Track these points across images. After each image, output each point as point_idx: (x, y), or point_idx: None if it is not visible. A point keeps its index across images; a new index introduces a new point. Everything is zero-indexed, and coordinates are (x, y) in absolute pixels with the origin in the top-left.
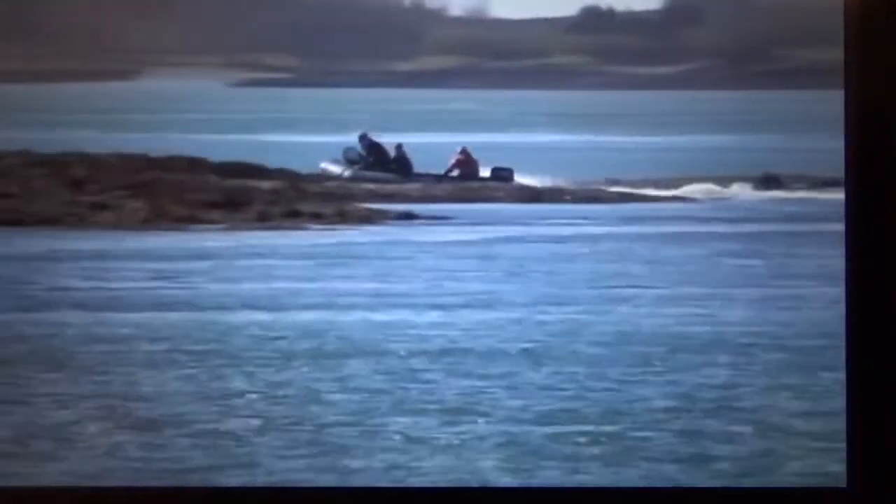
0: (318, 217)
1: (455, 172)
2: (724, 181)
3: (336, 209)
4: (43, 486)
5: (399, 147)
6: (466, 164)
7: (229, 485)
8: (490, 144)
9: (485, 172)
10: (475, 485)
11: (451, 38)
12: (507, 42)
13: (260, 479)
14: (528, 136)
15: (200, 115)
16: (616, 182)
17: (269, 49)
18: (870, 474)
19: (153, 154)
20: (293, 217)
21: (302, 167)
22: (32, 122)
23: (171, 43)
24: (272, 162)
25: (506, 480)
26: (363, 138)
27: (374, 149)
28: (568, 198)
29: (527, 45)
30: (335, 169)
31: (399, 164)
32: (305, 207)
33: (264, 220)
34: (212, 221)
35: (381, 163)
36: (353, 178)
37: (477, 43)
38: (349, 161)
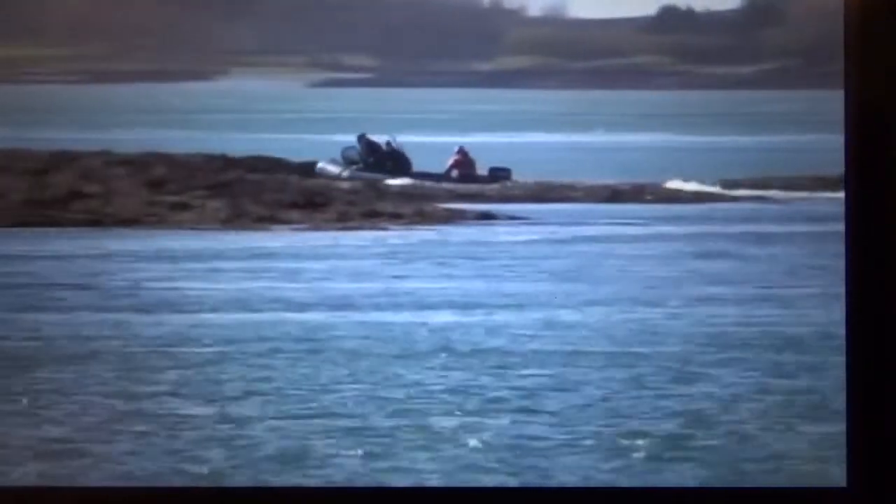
0: (397, 217)
1: (454, 172)
2: (805, 181)
3: (415, 209)
4: (43, 486)
5: (389, 143)
6: (464, 163)
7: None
8: (567, 144)
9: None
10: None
11: (530, 38)
12: (585, 42)
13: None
14: (605, 135)
15: (281, 115)
16: (695, 182)
17: (350, 49)
18: (870, 474)
19: (233, 154)
20: (373, 217)
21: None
22: (113, 122)
23: (254, 43)
24: None
25: (572, 480)
26: (361, 138)
27: (372, 149)
28: (649, 197)
29: (605, 45)
30: (333, 169)
31: (395, 161)
32: (385, 207)
33: (344, 220)
34: (291, 221)
35: (379, 163)
36: (351, 178)
37: (555, 43)
38: (348, 161)
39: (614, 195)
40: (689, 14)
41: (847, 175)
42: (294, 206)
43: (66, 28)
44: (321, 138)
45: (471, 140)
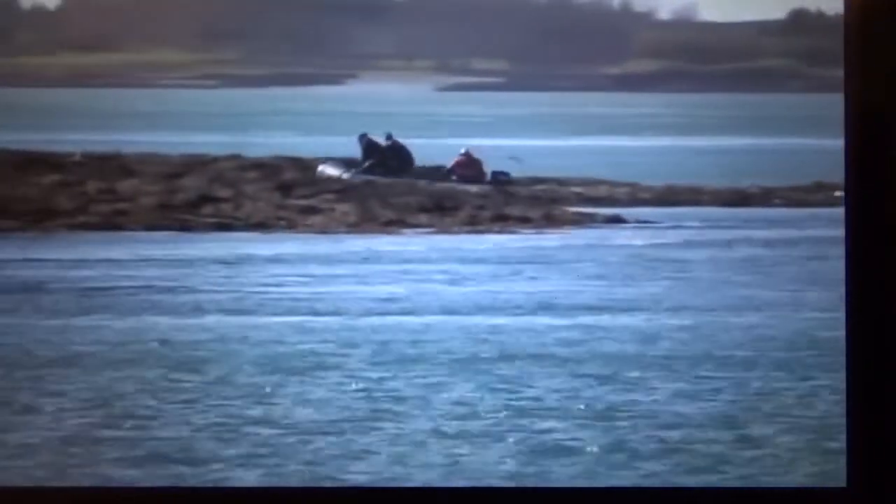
0: (526, 221)
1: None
2: None
3: (543, 213)
4: (43, 486)
5: (389, 137)
6: (467, 165)
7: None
8: (693, 148)
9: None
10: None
11: (660, 42)
12: (714, 45)
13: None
14: (733, 139)
15: (410, 119)
16: (822, 186)
17: (480, 53)
18: (870, 474)
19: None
20: (501, 221)
21: (513, 170)
22: (245, 125)
23: (383, 47)
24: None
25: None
26: (362, 138)
27: (373, 148)
28: (778, 201)
29: (734, 48)
30: (334, 172)
31: (398, 157)
32: (513, 211)
33: (473, 225)
34: (420, 225)
35: (382, 162)
36: (352, 181)
37: (685, 46)
38: (346, 164)
39: (742, 199)
40: (820, 17)
41: (847, 178)
42: (423, 209)
43: (197, 33)
44: (451, 142)
45: (596, 143)
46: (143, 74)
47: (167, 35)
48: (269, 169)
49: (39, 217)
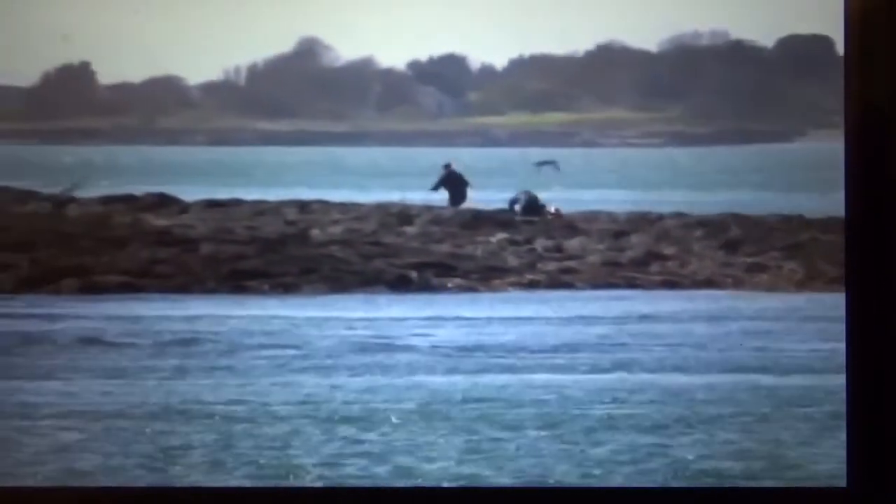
0: None
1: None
2: None
3: None
4: (43, 486)
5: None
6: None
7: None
8: None
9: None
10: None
11: None
12: None
13: None
14: None
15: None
16: None
17: None
18: (870, 474)
19: (810, 215)
20: None
21: None
22: (686, 183)
23: (832, 103)
24: None
25: None
26: (447, 167)
27: (447, 178)
28: None
29: None
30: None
31: (454, 186)
32: None
33: None
34: None
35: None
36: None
37: None
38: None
39: None
40: None
41: (847, 179)
42: None
43: (644, 90)
44: None
45: None
46: (589, 134)
47: (615, 93)
48: (716, 226)
49: (486, 275)
